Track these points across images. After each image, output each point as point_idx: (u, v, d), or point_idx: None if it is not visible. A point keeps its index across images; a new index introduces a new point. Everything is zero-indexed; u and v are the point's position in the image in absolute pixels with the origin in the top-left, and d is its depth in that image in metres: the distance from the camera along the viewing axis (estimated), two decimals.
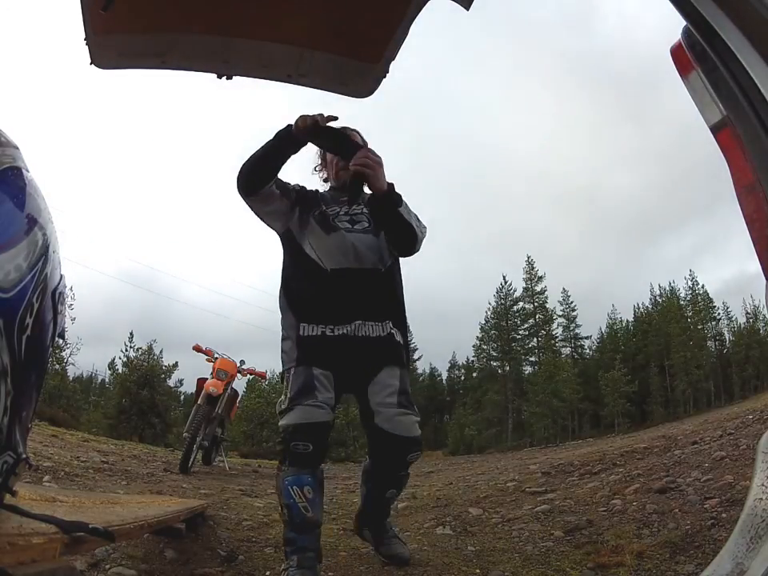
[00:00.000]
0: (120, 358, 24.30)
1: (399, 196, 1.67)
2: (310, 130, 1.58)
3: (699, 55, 0.83)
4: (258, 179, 1.67)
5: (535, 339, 30.35)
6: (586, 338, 31.54)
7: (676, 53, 0.88)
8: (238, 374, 5.67)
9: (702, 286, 29.17)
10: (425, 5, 1.88)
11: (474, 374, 33.02)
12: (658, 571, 1.54)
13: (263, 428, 20.83)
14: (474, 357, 32.42)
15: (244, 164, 1.67)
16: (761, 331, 26.69)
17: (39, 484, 2.72)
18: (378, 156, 1.62)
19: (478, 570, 1.75)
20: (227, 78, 2.05)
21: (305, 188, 1.88)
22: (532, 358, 30.18)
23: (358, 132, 1.87)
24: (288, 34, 1.96)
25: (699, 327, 27.83)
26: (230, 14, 1.87)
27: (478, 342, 31.15)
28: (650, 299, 31.14)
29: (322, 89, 2.07)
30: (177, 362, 24.27)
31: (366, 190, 1.69)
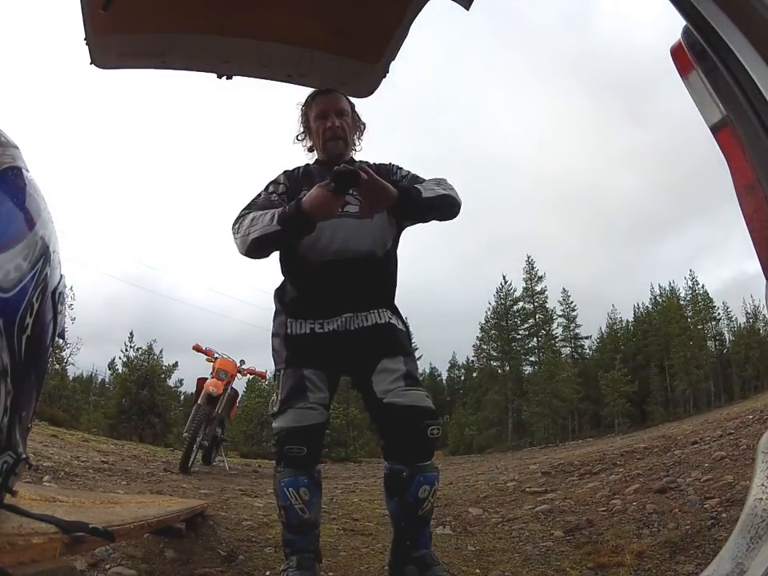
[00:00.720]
0: (120, 358, 24.30)
1: (410, 190, 1.52)
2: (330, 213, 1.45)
3: (699, 55, 0.83)
4: (268, 254, 1.59)
5: (535, 339, 30.33)
6: (586, 337, 31.57)
7: (676, 53, 0.88)
8: (238, 374, 5.67)
9: (702, 286, 29.18)
10: (425, 5, 1.88)
11: (474, 374, 33.04)
12: (658, 571, 1.54)
13: (263, 428, 20.82)
14: (474, 357, 32.48)
15: (247, 241, 1.51)
16: (761, 331, 26.68)
17: (39, 484, 2.72)
18: (376, 180, 1.44)
19: (477, 570, 1.75)
20: (227, 78, 2.05)
21: (289, 178, 1.71)
22: (532, 358, 30.16)
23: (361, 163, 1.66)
24: (288, 34, 1.96)
25: (699, 327, 27.82)
26: (229, 13, 1.87)
27: (478, 342, 31.18)
28: (650, 299, 31.18)
29: (322, 89, 2.08)
30: (177, 362, 24.28)
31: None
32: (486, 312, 30.85)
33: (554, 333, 30.64)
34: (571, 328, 30.93)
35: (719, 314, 28.73)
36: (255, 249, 1.53)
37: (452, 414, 31.19)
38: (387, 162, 1.75)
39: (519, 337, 30.55)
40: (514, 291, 30.72)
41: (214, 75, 2.04)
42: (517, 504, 2.79)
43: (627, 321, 31.99)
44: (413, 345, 1.72)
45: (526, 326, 30.57)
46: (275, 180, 1.72)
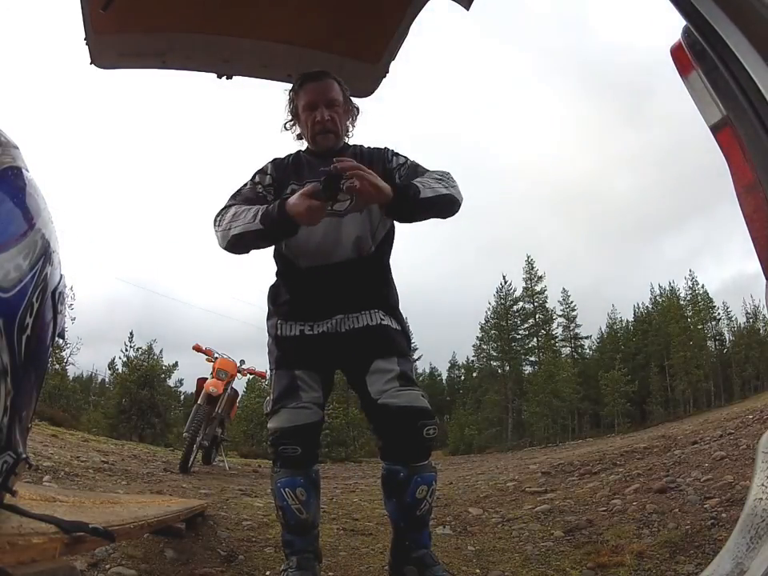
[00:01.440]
0: (120, 358, 24.37)
1: (407, 188, 1.39)
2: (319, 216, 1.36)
3: (699, 55, 0.83)
4: (248, 251, 1.52)
5: (535, 339, 30.36)
6: (586, 337, 31.61)
7: (676, 53, 0.88)
8: (238, 374, 5.67)
9: (702, 286, 29.26)
10: (425, 5, 1.88)
11: (474, 374, 33.04)
12: (658, 571, 1.54)
13: (263, 428, 20.72)
14: (473, 357, 32.50)
15: (228, 236, 1.44)
16: (761, 331, 26.73)
17: (39, 484, 2.72)
18: (366, 172, 1.32)
19: (477, 570, 1.75)
20: (227, 78, 2.05)
21: (277, 168, 1.63)
22: (532, 358, 30.20)
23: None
24: (288, 34, 1.97)
25: (699, 327, 27.85)
26: (230, 13, 1.88)
27: (477, 342, 31.22)
28: (650, 299, 31.22)
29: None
30: (177, 362, 24.33)
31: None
32: (486, 312, 30.93)
33: (553, 333, 30.72)
34: (571, 328, 31.00)
35: (719, 313, 28.84)
36: (235, 245, 1.47)
37: (452, 414, 31.20)
38: (382, 147, 1.66)
39: (519, 337, 30.59)
40: (514, 291, 30.79)
41: (214, 75, 2.04)
42: (517, 504, 2.79)
43: (627, 321, 32.09)
44: (412, 344, 1.69)
45: (526, 325, 30.62)
46: (262, 170, 1.64)
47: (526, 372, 29.78)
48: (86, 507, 1.24)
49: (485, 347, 30.95)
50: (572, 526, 2.11)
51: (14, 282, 0.67)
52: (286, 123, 1.68)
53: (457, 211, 1.52)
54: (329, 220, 1.48)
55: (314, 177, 1.46)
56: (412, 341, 1.70)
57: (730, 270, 49.94)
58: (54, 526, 0.77)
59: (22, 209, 0.73)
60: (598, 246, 56.15)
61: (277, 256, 1.64)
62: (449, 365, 38.32)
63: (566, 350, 30.88)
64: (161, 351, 24.16)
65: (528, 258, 30.95)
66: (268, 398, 1.56)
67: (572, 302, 30.96)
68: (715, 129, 0.84)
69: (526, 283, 30.69)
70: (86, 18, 1.74)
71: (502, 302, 30.66)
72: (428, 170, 1.54)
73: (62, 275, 0.85)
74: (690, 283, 29.21)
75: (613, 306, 33.14)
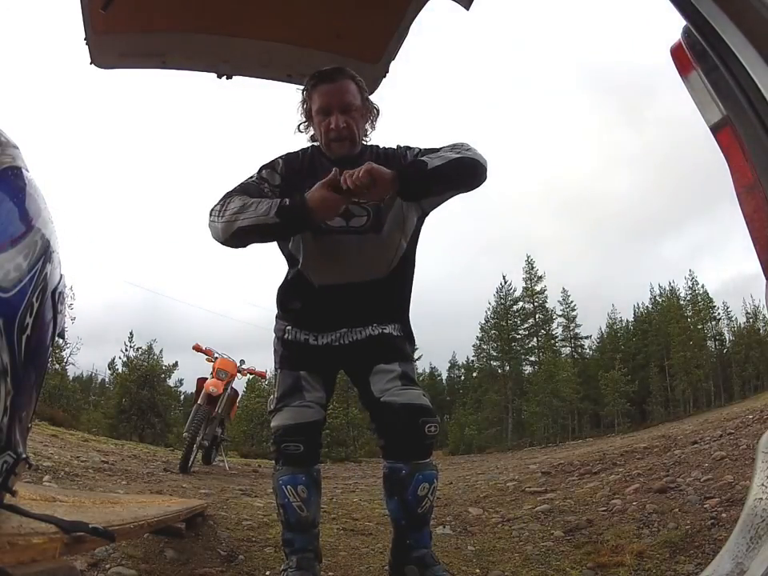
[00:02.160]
0: (120, 358, 24.37)
1: (411, 165, 1.37)
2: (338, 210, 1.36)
3: (699, 55, 0.83)
4: (246, 246, 1.47)
5: (535, 339, 30.35)
6: (586, 337, 31.57)
7: (676, 53, 0.88)
8: (238, 374, 5.68)
9: (702, 286, 29.21)
10: (425, 5, 1.88)
11: (474, 374, 33.02)
12: (658, 571, 1.54)
13: (263, 428, 20.84)
14: (473, 357, 32.47)
15: (233, 227, 1.38)
16: (761, 331, 26.70)
17: (39, 484, 2.72)
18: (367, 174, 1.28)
19: (477, 570, 1.75)
20: (227, 78, 2.05)
21: (288, 166, 1.56)
22: (532, 358, 30.18)
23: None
24: (288, 34, 1.97)
25: (699, 327, 27.83)
26: (230, 13, 1.88)
27: (477, 342, 31.20)
28: (650, 299, 31.19)
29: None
30: (177, 362, 24.35)
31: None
32: (486, 312, 30.91)
33: (553, 333, 30.70)
34: (571, 328, 30.97)
35: (719, 313, 28.79)
36: (238, 237, 1.40)
37: (452, 414, 31.19)
38: (396, 146, 1.62)
39: (519, 337, 30.57)
40: (514, 291, 30.78)
41: (214, 75, 2.04)
42: (517, 504, 2.79)
43: (627, 321, 32.06)
44: (415, 345, 1.70)
45: (526, 325, 30.61)
46: (272, 166, 1.56)
47: (526, 372, 29.80)
48: (86, 507, 1.24)
49: (485, 347, 30.96)
50: (572, 526, 2.11)
51: (13, 281, 0.67)
52: (299, 125, 1.60)
53: (483, 176, 1.45)
54: (347, 238, 1.47)
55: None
56: (414, 344, 1.71)
57: (730, 270, 49.86)
58: (54, 525, 0.77)
59: (22, 209, 0.73)
60: (597, 245, 56.17)
61: (291, 264, 1.61)
62: (449, 365, 38.32)
63: (566, 350, 30.89)
64: (161, 351, 24.21)
65: (528, 257, 30.97)
66: (271, 396, 1.58)
67: (572, 302, 30.98)
68: (715, 129, 0.84)
69: (525, 283, 30.72)
70: (86, 18, 1.74)
71: (502, 301, 30.67)
72: (443, 146, 1.47)
73: (61, 275, 0.85)
74: (689, 283, 29.22)
75: (613, 305, 33.14)
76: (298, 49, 2.01)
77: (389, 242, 1.52)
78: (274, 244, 1.60)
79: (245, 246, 1.47)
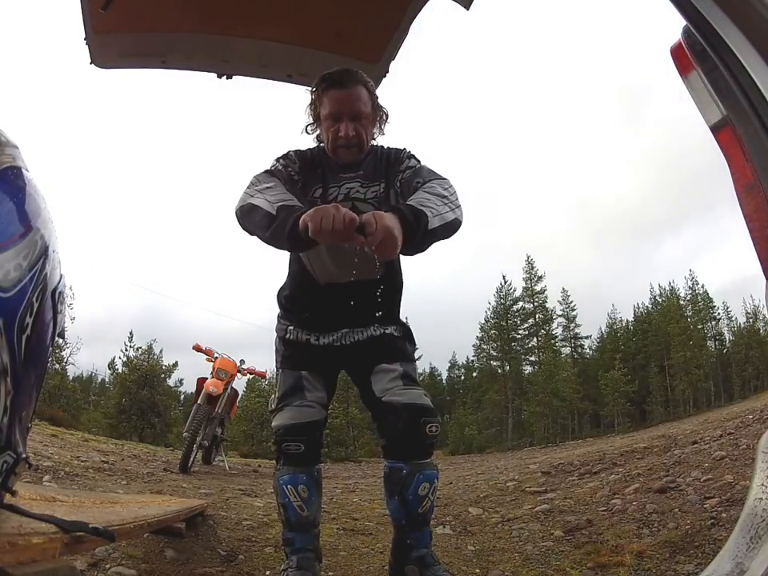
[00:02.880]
0: (120, 358, 24.36)
1: (417, 219, 1.23)
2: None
3: (699, 55, 0.83)
4: (247, 231, 1.37)
5: (535, 339, 30.34)
6: (586, 337, 31.58)
7: (676, 53, 0.88)
8: (238, 374, 5.68)
9: (702, 286, 29.19)
10: (425, 5, 1.88)
11: (474, 374, 33.04)
12: (658, 571, 1.54)
13: (263, 428, 20.84)
14: (473, 357, 32.47)
15: (244, 201, 1.34)
16: (761, 331, 26.69)
17: (39, 484, 2.72)
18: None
19: (477, 570, 1.75)
20: (227, 78, 2.06)
21: (301, 159, 1.54)
22: (532, 358, 30.16)
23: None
24: (288, 34, 1.97)
25: (699, 327, 27.83)
26: (229, 13, 1.88)
27: (477, 342, 31.18)
28: (650, 299, 31.18)
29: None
30: (177, 362, 24.34)
31: None
32: (486, 312, 30.89)
33: (553, 333, 30.68)
34: (571, 328, 30.97)
35: (719, 313, 28.78)
36: (245, 215, 1.33)
37: (452, 414, 31.21)
38: (402, 148, 1.59)
39: (519, 337, 30.56)
40: (514, 291, 30.75)
41: (214, 75, 2.04)
42: (517, 504, 2.79)
43: (627, 321, 32.06)
44: (415, 346, 1.71)
45: (526, 325, 30.58)
46: (287, 155, 1.53)
47: (526, 372, 29.76)
48: (86, 507, 1.24)
49: (485, 347, 30.93)
50: (572, 526, 2.11)
51: (13, 281, 0.67)
52: (307, 126, 1.57)
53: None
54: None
55: (334, 183, 1.50)
56: (414, 343, 1.71)
57: (729, 270, 49.82)
58: (54, 525, 0.77)
59: (22, 209, 0.73)
60: (598, 245, 56.19)
61: (297, 263, 1.61)
62: (449, 365, 38.36)
63: (566, 350, 30.89)
64: (161, 351, 24.19)
65: (528, 257, 30.95)
66: (273, 395, 1.59)
67: (572, 302, 30.96)
68: (715, 129, 0.84)
69: (525, 283, 30.69)
70: (86, 18, 1.74)
71: (502, 301, 30.64)
72: (431, 178, 1.42)
73: (61, 275, 0.85)
74: (690, 283, 29.22)
75: (613, 305, 33.21)
76: (298, 49, 2.01)
77: None
78: None
79: (250, 233, 1.35)
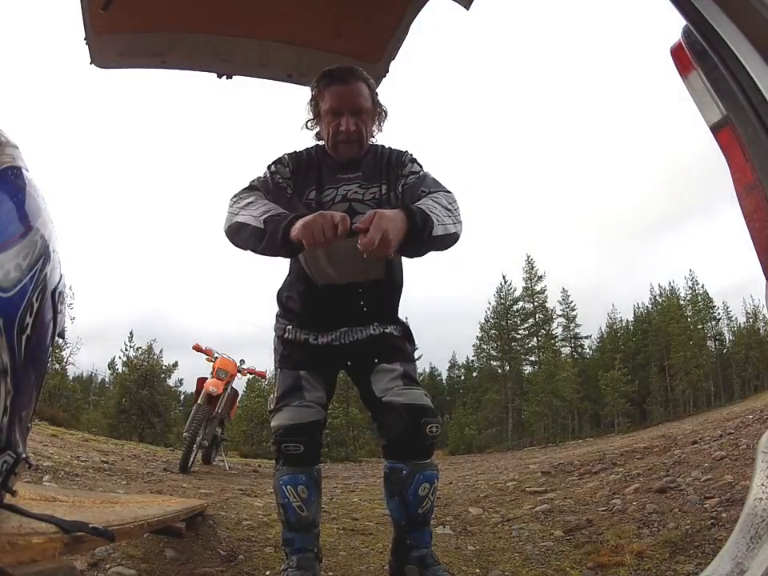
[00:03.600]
0: (120, 358, 24.38)
1: (425, 221, 1.23)
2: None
3: (699, 55, 0.83)
4: (240, 247, 1.39)
5: (535, 339, 30.34)
6: (586, 337, 31.56)
7: (676, 53, 0.88)
8: (238, 374, 5.68)
9: (702, 286, 29.18)
10: (425, 5, 1.88)
11: (474, 374, 33.02)
12: (657, 571, 1.54)
13: (263, 428, 20.83)
14: (473, 356, 32.47)
15: (230, 221, 1.36)
16: (761, 331, 26.69)
17: (39, 484, 2.72)
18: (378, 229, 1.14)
19: (477, 570, 1.75)
20: (227, 78, 2.05)
21: (295, 160, 1.55)
22: (532, 358, 30.15)
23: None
24: (288, 34, 1.97)
25: (699, 327, 27.83)
26: (230, 13, 1.88)
27: (477, 342, 31.18)
28: (650, 299, 31.19)
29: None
30: (177, 362, 24.35)
31: None
32: (486, 312, 30.89)
33: (553, 332, 30.67)
34: (571, 328, 30.96)
35: (719, 313, 28.77)
36: (235, 233, 1.36)
37: (452, 414, 31.19)
38: (404, 150, 1.59)
39: (519, 337, 30.55)
40: (514, 291, 30.75)
41: (214, 75, 2.04)
42: (517, 504, 2.79)
43: (627, 321, 32.06)
44: (415, 345, 1.71)
45: (526, 325, 30.58)
46: (280, 161, 1.55)
47: (526, 372, 29.76)
48: (85, 507, 1.24)
49: (485, 347, 30.93)
50: (572, 526, 2.11)
51: (13, 281, 0.67)
52: (307, 122, 1.58)
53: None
54: (352, 238, 1.39)
55: (332, 185, 1.50)
56: (414, 342, 1.71)
57: (729, 270, 49.78)
58: (54, 525, 0.77)
59: (22, 209, 0.73)
60: (598, 245, 56.19)
61: (295, 263, 1.61)
62: (449, 365, 38.34)
63: (566, 350, 30.88)
64: (161, 351, 24.19)
65: (528, 257, 30.95)
66: (272, 395, 1.58)
67: (572, 302, 30.95)
68: (715, 129, 0.84)
69: (525, 283, 30.68)
70: (86, 18, 1.74)
71: (502, 301, 30.64)
72: (437, 189, 1.42)
73: (61, 275, 0.85)
74: (690, 283, 29.21)
75: (613, 305, 33.21)
76: (298, 48, 2.01)
77: None
78: None
79: (243, 248, 1.38)
